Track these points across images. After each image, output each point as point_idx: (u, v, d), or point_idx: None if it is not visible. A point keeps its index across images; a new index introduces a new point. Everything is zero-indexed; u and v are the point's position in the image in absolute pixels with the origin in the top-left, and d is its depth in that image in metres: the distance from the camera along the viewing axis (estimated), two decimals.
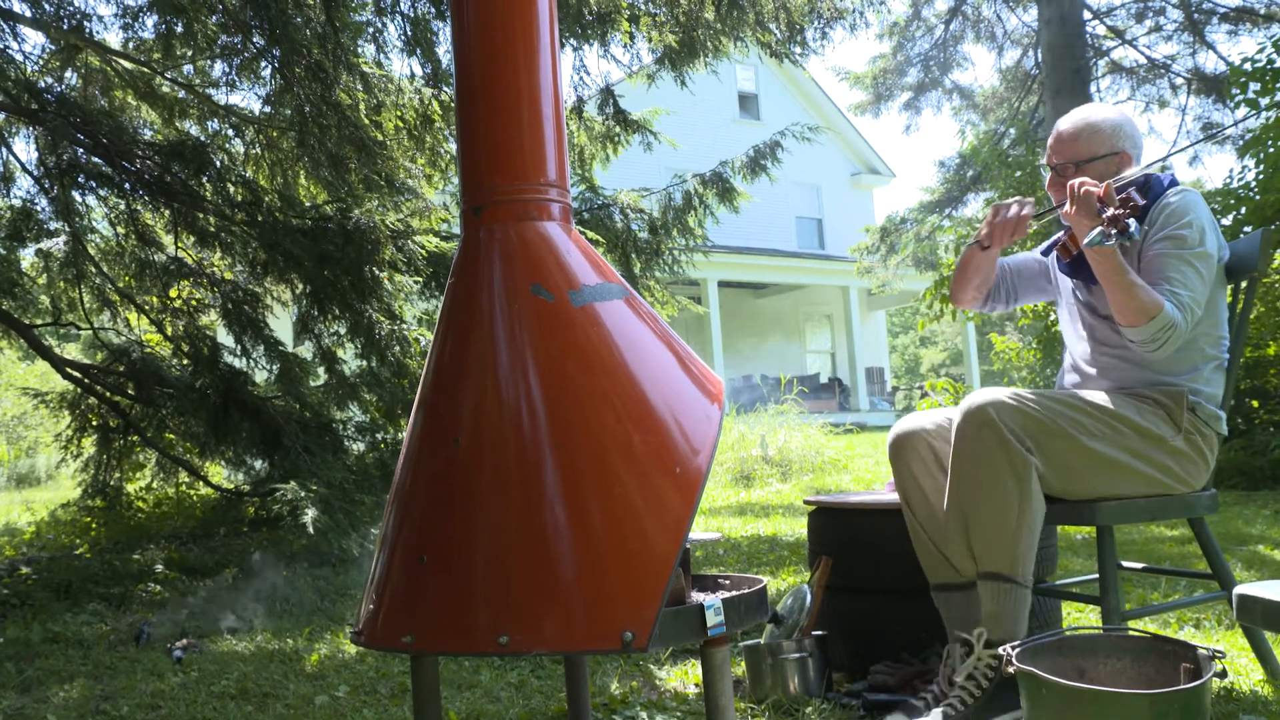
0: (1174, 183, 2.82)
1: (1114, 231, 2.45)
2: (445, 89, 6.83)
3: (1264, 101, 8.88)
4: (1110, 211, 2.49)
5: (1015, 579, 2.57)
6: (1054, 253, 3.04)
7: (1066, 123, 2.93)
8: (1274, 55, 8.76)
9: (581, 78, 7.35)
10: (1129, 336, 2.64)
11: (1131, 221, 2.45)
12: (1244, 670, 2.99)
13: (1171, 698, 1.97)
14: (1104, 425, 2.66)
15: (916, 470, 2.88)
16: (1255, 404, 8.31)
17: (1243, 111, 9.98)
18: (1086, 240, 2.50)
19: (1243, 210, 8.49)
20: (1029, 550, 2.59)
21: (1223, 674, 2.04)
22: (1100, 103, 3.03)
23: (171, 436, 7.35)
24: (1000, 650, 2.19)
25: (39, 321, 7.28)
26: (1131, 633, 2.30)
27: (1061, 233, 2.97)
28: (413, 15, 6.49)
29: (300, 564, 5.79)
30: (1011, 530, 2.57)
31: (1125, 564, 3.25)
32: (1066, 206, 2.66)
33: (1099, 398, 2.72)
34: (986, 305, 3.18)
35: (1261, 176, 8.47)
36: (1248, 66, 8.92)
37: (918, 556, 2.88)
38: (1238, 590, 2.10)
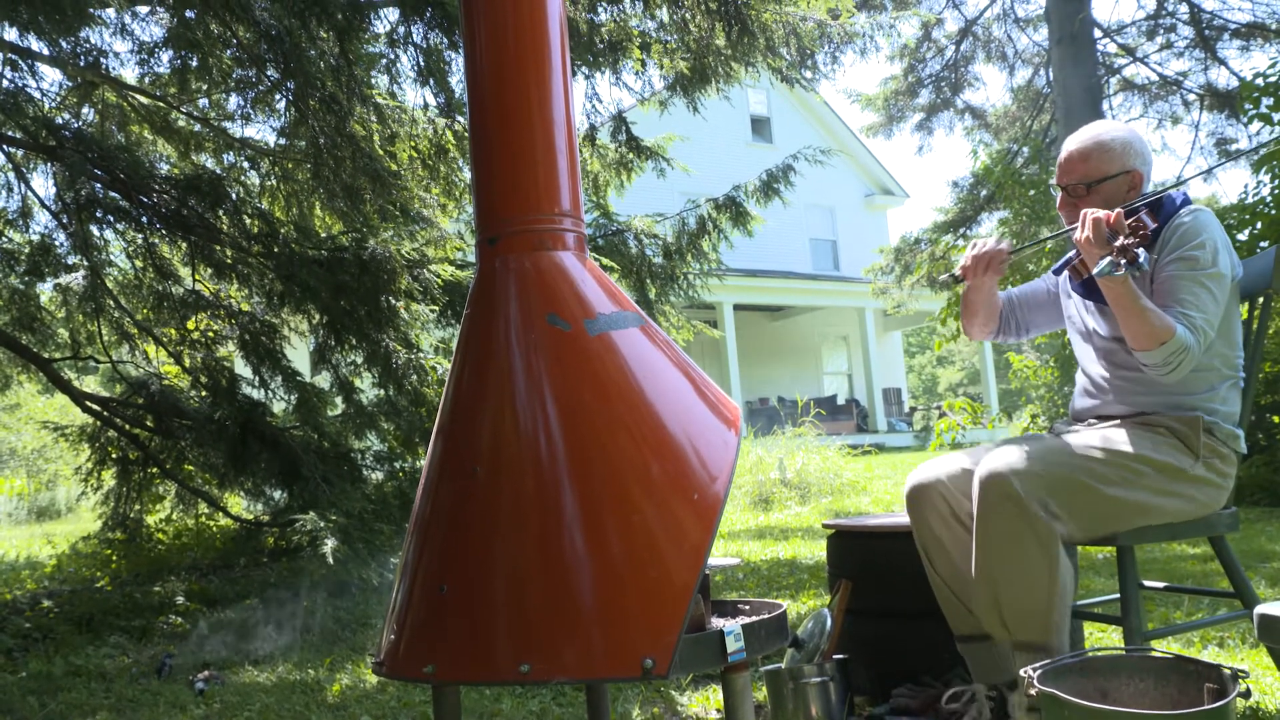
0: (1186, 201, 2.80)
1: (1123, 261, 2.43)
2: (459, 118, 6.87)
3: (1277, 117, 8.87)
4: (1120, 241, 2.47)
5: (1050, 647, 2.56)
6: (1065, 272, 3.03)
7: (1075, 143, 2.90)
8: None
9: (594, 105, 7.38)
10: (1141, 361, 2.62)
11: (1141, 251, 2.43)
12: (1269, 690, 2.97)
13: (1196, 719, 1.96)
14: (1122, 470, 2.63)
15: (935, 525, 2.86)
16: (1276, 419, 8.26)
17: (1256, 127, 9.97)
18: (1096, 270, 2.48)
19: (1258, 225, 8.47)
20: (1063, 619, 2.58)
21: (1247, 694, 2.02)
22: (1108, 120, 3.01)
23: (190, 468, 7.36)
24: (1021, 672, 2.18)
25: (58, 355, 7.32)
26: (1154, 653, 2.29)
27: (1073, 252, 2.96)
28: (425, 46, 6.54)
29: (320, 594, 5.80)
30: (1043, 602, 2.56)
31: (1147, 583, 3.23)
32: (1079, 233, 2.64)
33: (1113, 438, 2.69)
34: (999, 336, 3.19)
35: (1277, 191, 8.45)
36: (1260, 82, 8.91)
37: (941, 609, 2.87)
38: (1260, 609, 2.08)
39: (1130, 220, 2.54)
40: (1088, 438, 2.72)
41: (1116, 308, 2.59)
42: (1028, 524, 2.55)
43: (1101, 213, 2.60)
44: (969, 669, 2.81)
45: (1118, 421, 2.81)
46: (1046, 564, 2.55)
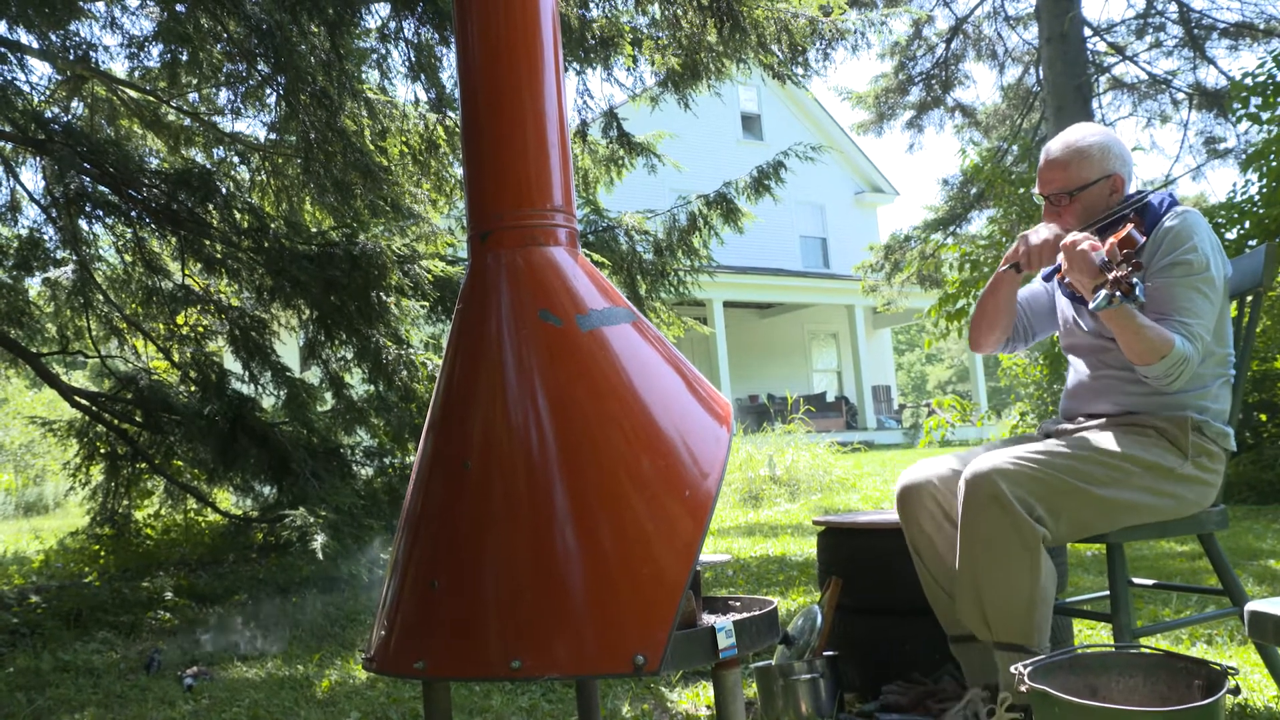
0: (1174, 203, 2.78)
1: (1118, 294, 2.39)
2: (449, 113, 6.86)
3: (1265, 116, 8.89)
4: (1114, 273, 2.41)
5: (1031, 648, 2.55)
6: (1055, 277, 3.02)
7: (1053, 151, 2.87)
8: (1275, 70, 8.77)
9: (585, 101, 7.38)
10: (1143, 374, 2.61)
11: (1136, 280, 2.38)
12: (1258, 686, 2.98)
13: (1185, 715, 1.97)
14: (1110, 470, 2.62)
15: (926, 524, 2.86)
16: (1264, 418, 8.29)
17: (1244, 126, 9.99)
18: (1093, 305, 2.43)
19: (1246, 224, 8.49)
20: (1044, 620, 2.58)
21: (1236, 691, 2.03)
22: (1085, 124, 2.97)
23: (180, 463, 7.34)
24: (1012, 669, 2.18)
25: (46, 350, 7.28)
26: (1144, 650, 2.30)
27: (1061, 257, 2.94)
28: (416, 41, 6.52)
29: (310, 589, 5.79)
30: (1025, 603, 2.56)
31: (1136, 580, 3.24)
32: (1064, 266, 2.59)
33: (1100, 439, 2.68)
34: (1008, 347, 3.10)
35: (1265, 191, 8.47)
36: (1249, 81, 8.93)
37: (933, 608, 2.86)
38: (1249, 606, 2.09)
39: (1121, 243, 2.47)
40: (1075, 440, 2.72)
41: (1114, 328, 2.57)
42: (1012, 525, 2.54)
43: (1086, 242, 2.55)
44: (962, 670, 2.81)
45: (1104, 421, 2.80)
46: (1029, 566, 2.55)
